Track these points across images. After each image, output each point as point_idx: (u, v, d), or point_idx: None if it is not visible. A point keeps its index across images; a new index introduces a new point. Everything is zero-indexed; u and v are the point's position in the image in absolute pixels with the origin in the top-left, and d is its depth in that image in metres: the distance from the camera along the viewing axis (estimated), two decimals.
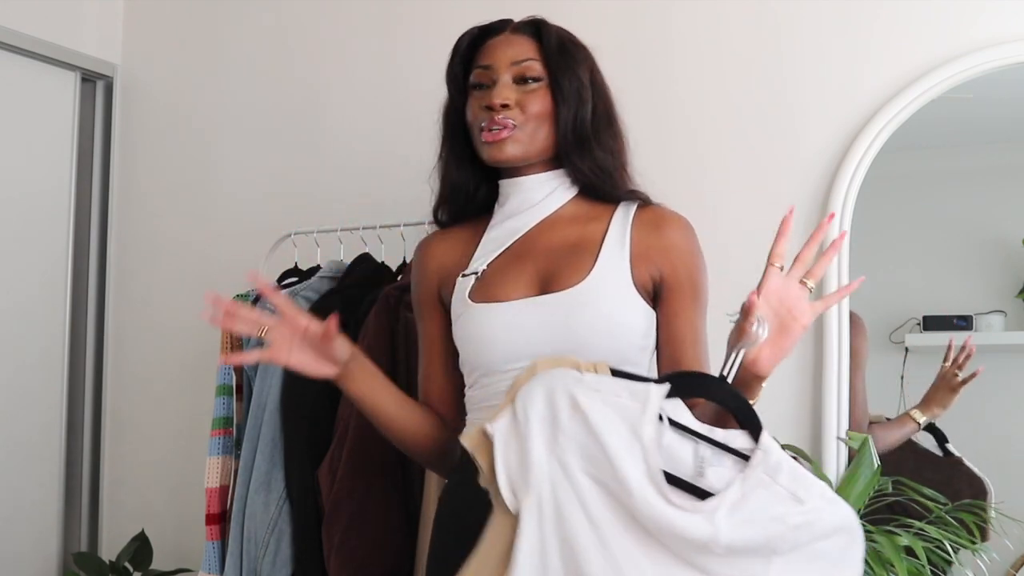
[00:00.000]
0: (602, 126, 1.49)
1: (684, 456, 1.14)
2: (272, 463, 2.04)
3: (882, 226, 2.13)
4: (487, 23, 1.53)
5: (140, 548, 2.53)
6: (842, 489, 1.88)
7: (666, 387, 1.17)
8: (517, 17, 1.55)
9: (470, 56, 1.51)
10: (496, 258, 1.48)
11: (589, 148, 1.46)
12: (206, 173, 2.77)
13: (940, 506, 1.97)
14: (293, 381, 2.06)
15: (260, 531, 2.01)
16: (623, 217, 1.47)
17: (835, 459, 1.96)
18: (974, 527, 1.93)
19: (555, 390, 1.15)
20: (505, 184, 1.51)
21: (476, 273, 1.47)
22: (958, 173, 2.17)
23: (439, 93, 1.58)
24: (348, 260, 2.22)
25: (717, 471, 1.14)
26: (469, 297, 1.45)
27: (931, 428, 2.07)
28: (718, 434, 1.16)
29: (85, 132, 2.85)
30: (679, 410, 1.17)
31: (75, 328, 2.79)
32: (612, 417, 1.12)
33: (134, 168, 2.87)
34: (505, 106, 1.42)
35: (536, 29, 1.50)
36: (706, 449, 1.15)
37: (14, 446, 2.61)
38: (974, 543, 1.90)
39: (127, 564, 2.51)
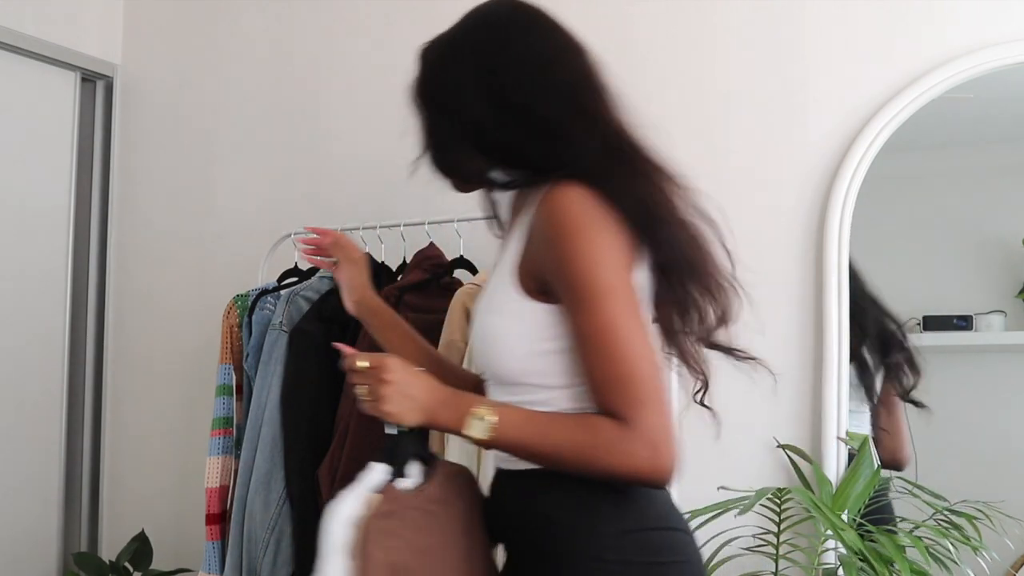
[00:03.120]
0: (440, 119, 1.33)
1: None
2: (272, 463, 2.04)
3: (882, 226, 2.13)
4: None
5: (140, 548, 2.53)
6: (842, 489, 1.88)
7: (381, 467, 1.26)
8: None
9: None
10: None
11: (483, 149, 1.30)
12: (206, 173, 2.77)
13: (939, 506, 1.97)
14: (293, 381, 2.06)
15: (260, 531, 2.01)
16: (534, 207, 1.27)
17: (835, 459, 1.96)
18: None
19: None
20: None
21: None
22: (958, 173, 2.17)
23: None
24: None
25: None
26: None
27: None
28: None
29: (85, 132, 2.85)
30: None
31: (75, 328, 2.79)
32: (343, 509, 1.24)
33: (134, 168, 2.87)
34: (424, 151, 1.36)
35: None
36: None
37: (14, 446, 2.60)
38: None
39: (127, 564, 2.51)
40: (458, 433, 1.22)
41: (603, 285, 1.17)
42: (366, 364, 1.22)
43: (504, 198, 1.39)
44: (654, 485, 1.20)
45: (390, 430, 1.24)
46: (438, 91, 1.33)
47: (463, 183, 1.39)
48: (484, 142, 1.28)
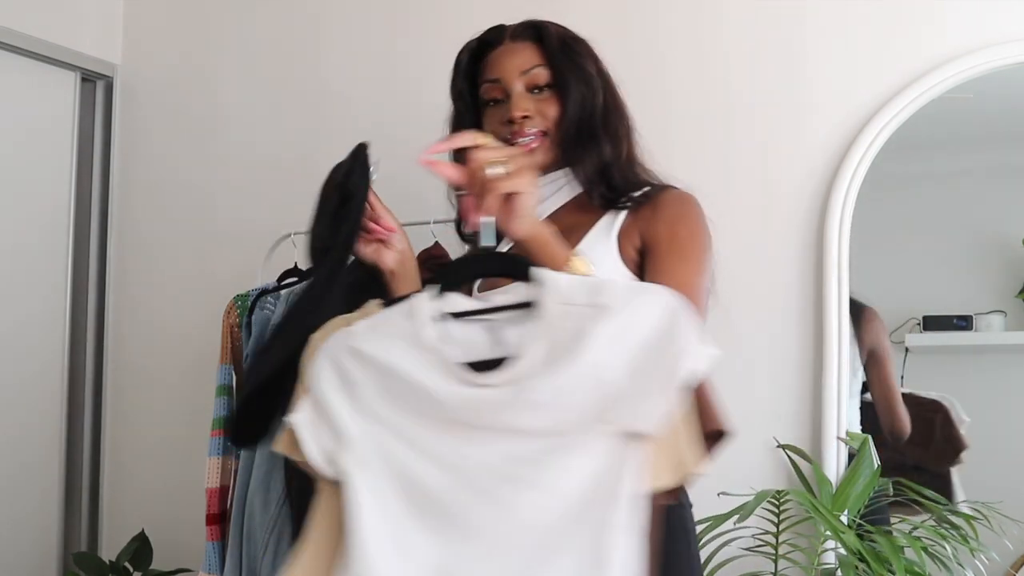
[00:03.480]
0: (612, 117, 1.49)
1: (480, 338, 1.12)
2: (272, 463, 2.04)
3: (882, 226, 2.13)
4: (483, 34, 1.52)
5: (140, 548, 2.52)
6: (842, 489, 1.88)
7: (430, 290, 1.14)
8: (521, 10, 1.54)
9: (473, 70, 1.51)
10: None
11: (594, 147, 1.45)
12: (206, 173, 2.77)
13: (939, 506, 1.97)
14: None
15: (260, 531, 2.01)
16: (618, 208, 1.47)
17: (835, 459, 1.96)
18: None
19: (335, 354, 1.14)
20: None
21: None
22: (958, 173, 2.17)
23: (442, 90, 1.58)
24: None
25: (517, 331, 1.10)
26: (478, 289, 1.46)
27: None
28: (498, 299, 1.13)
29: (85, 132, 2.85)
30: (457, 301, 1.14)
31: (75, 328, 2.79)
32: (394, 343, 1.11)
33: (134, 168, 2.87)
34: (526, 117, 1.43)
35: (537, 32, 1.49)
36: (499, 319, 1.12)
37: (14, 446, 2.60)
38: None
39: (127, 564, 2.51)
40: (545, 253, 1.18)
41: (706, 262, 1.40)
42: (494, 140, 1.18)
43: (543, 189, 1.46)
44: None
45: (487, 240, 1.14)
46: (582, 76, 1.46)
47: (557, 160, 1.46)
48: (596, 135, 1.45)
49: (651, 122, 2.18)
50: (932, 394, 2.11)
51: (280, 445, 1.16)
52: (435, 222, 2.14)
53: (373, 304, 1.19)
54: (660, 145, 2.17)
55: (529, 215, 1.18)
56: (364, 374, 1.11)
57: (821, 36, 2.11)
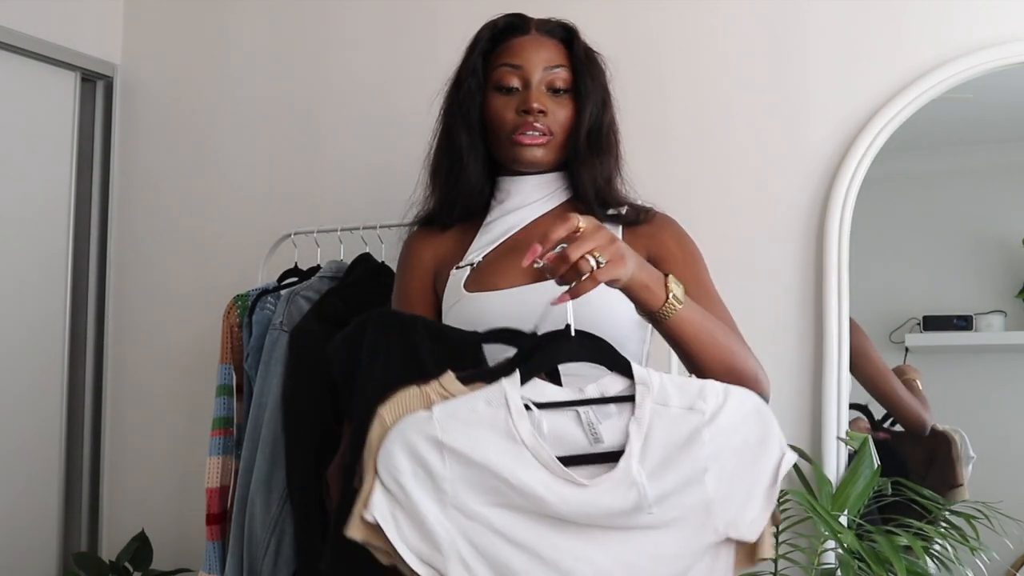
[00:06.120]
0: (613, 136, 1.52)
1: (571, 431, 1.10)
2: (273, 463, 2.04)
3: (882, 226, 2.13)
4: (509, 17, 1.53)
5: (140, 548, 2.53)
6: (842, 489, 1.88)
7: (516, 376, 1.11)
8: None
9: (488, 49, 1.52)
10: (491, 251, 1.49)
11: (598, 159, 1.48)
12: (206, 173, 2.77)
13: (939, 506, 1.97)
14: (294, 381, 2.06)
15: (261, 531, 2.01)
16: (612, 225, 1.50)
17: (835, 459, 1.96)
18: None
19: (411, 441, 1.08)
20: (508, 181, 1.52)
21: (472, 264, 1.48)
22: (958, 173, 2.17)
23: (441, 91, 1.59)
24: (348, 260, 2.22)
25: (610, 426, 1.10)
26: (464, 287, 1.45)
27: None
28: (590, 390, 1.12)
29: (85, 132, 2.85)
30: (540, 389, 1.12)
31: (75, 328, 2.79)
32: (482, 436, 1.08)
33: (134, 168, 2.87)
34: (543, 112, 1.45)
35: (567, 34, 1.52)
36: (588, 412, 1.11)
37: (14, 446, 2.61)
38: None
39: (127, 564, 2.51)
40: (651, 300, 1.18)
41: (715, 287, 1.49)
42: (584, 224, 1.10)
43: (535, 190, 1.51)
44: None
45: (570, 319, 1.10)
46: (599, 89, 1.50)
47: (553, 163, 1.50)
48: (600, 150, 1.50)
49: (650, 124, 2.19)
50: (945, 426, 2.10)
51: (355, 532, 1.09)
52: None
53: (449, 376, 1.15)
54: (656, 144, 2.19)
55: (624, 275, 1.14)
56: (449, 469, 1.07)
57: (820, 36, 2.10)
